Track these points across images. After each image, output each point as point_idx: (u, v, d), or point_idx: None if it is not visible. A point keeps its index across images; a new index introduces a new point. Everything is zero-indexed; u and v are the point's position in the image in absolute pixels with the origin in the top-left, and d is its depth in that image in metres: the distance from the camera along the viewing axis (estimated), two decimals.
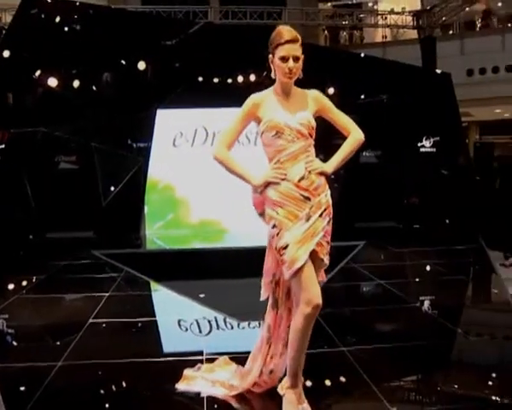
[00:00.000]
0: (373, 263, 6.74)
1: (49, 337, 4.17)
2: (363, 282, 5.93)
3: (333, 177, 2.83)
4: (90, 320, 4.36)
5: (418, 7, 17.23)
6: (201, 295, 5.32)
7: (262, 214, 2.77)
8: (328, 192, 2.70)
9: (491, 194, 13.16)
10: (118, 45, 8.82)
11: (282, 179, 2.61)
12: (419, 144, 10.25)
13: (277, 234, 2.60)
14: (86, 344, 3.85)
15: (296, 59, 2.60)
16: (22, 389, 3.21)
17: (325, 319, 3.87)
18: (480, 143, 19.48)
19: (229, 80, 9.49)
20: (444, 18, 16.09)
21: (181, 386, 3.05)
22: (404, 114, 9.62)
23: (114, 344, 3.95)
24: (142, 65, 9.10)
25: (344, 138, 2.81)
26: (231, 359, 3.25)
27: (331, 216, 2.68)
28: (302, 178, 2.61)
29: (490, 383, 3.34)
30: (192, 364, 3.24)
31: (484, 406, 2.97)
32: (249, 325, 4.33)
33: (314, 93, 2.77)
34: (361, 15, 17.07)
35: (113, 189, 8.99)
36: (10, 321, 4.52)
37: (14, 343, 4.18)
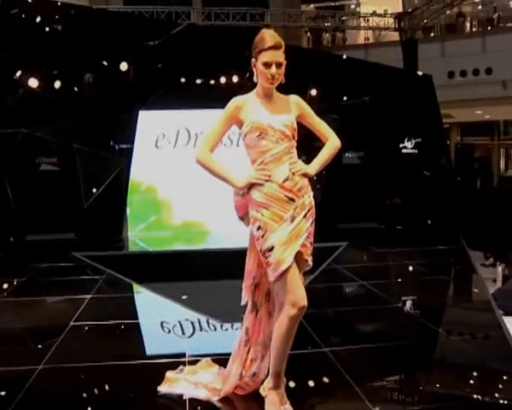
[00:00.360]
0: (355, 264, 6.76)
1: (29, 340, 4.13)
2: (346, 283, 5.96)
3: (315, 178, 2.84)
4: (72, 323, 4.33)
5: (400, 9, 17.38)
6: (184, 297, 5.30)
7: (243, 218, 2.78)
8: (311, 193, 2.71)
9: (471, 194, 13.33)
10: (99, 46, 8.74)
11: (266, 181, 2.62)
12: (401, 145, 10.33)
13: (262, 236, 2.60)
14: (67, 347, 3.82)
15: (279, 65, 2.61)
16: (2, 393, 3.16)
17: (308, 320, 3.86)
18: (461, 145, 19.72)
19: (212, 81, 9.46)
20: (425, 20, 16.24)
21: (163, 388, 3.04)
22: (386, 116, 9.68)
23: (96, 347, 3.92)
24: (124, 66, 9.02)
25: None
26: (214, 360, 3.25)
27: (314, 217, 2.69)
28: (286, 180, 2.62)
29: (471, 381, 3.38)
30: (174, 366, 3.24)
31: (465, 404, 3.00)
32: (232, 326, 4.32)
33: (295, 98, 2.79)
34: (343, 17, 17.10)
35: (94, 190, 8.90)
36: None
37: None
